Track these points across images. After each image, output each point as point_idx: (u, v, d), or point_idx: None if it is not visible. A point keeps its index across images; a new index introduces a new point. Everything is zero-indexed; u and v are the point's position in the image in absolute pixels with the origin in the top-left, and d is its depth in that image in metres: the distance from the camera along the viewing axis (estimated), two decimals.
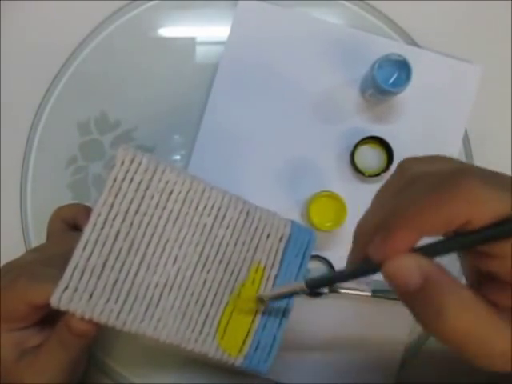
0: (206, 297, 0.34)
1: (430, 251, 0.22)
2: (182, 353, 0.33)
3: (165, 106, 0.48)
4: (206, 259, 0.34)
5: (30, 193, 0.47)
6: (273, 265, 0.36)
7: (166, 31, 0.48)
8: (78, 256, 0.30)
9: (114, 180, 0.31)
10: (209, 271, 0.34)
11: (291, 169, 0.46)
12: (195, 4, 0.48)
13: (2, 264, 0.36)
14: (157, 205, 0.32)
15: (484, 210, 0.20)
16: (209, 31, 0.48)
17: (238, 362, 0.34)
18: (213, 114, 0.46)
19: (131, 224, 0.31)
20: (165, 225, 0.32)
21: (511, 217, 0.20)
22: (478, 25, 0.49)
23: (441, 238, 0.22)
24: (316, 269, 0.45)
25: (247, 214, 0.35)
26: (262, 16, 0.47)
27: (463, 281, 0.23)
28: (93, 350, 0.45)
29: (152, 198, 0.32)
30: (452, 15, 0.49)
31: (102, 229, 0.30)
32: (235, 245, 0.35)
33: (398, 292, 0.22)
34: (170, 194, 0.32)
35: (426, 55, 0.47)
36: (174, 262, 0.33)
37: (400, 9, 0.48)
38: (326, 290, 0.44)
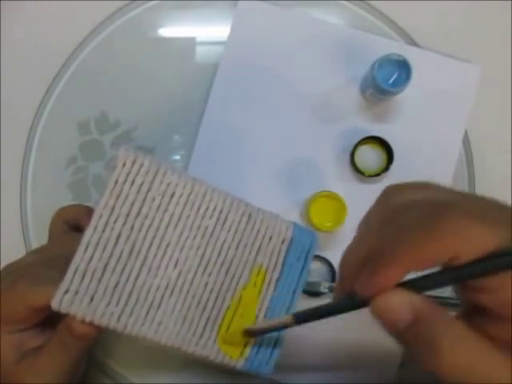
0: (207, 300, 0.34)
1: (418, 286, 0.21)
2: (183, 353, 0.33)
3: (165, 106, 0.48)
4: (208, 262, 0.34)
5: (30, 193, 0.47)
6: (275, 268, 0.35)
7: (166, 31, 0.48)
8: (79, 259, 0.30)
9: (116, 182, 0.30)
10: (210, 274, 0.34)
11: (291, 169, 0.46)
12: (195, 4, 0.48)
13: (2, 264, 0.36)
14: (158, 207, 0.32)
15: (471, 245, 0.20)
16: (209, 31, 0.48)
17: (239, 364, 0.34)
18: (213, 114, 0.46)
19: (132, 227, 0.31)
20: (166, 228, 0.32)
21: (498, 252, 0.19)
22: (478, 25, 0.49)
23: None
24: (316, 269, 0.45)
25: (249, 216, 0.35)
26: (262, 16, 0.47)
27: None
28: (93, 351, 0.45)
29: (153, 200, 0.32)
30: (452, 15, 0.49)
31: (103, 231, 0.30)
32: (237, 248, 0.34)
33: (388, 329, 0.22)
34: (172, 196, 0.32)
35: (426, 55, 0.47)
36: (175, 265, 0.32)
37: (400, 9, 0.48)
38: (326, 289, 0.44)
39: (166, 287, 0.32)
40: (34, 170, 0.47)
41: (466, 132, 0.47)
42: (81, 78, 0.48)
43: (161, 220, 0.32)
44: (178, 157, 0.47)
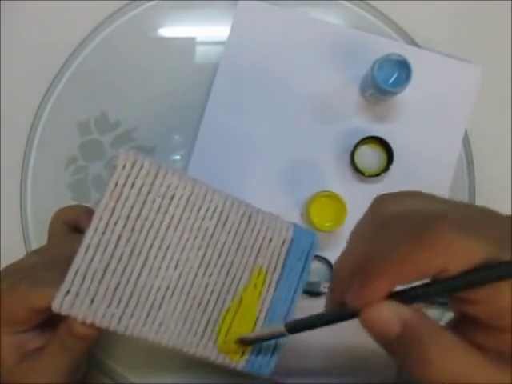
0: (208, 301, 0.34)
1: (406, 297, 0.22)
2: (183, 354, 0.33)
3: (165, 106, 0.48)
4: (208, 263, 0.34)
5: (30, 193, 0.47)
6: (275, 269, 0.35)
7: (166, 31, 0.48)
8: (80, 260, 0.30)
9: (116, 184, 0.30)
10: (211, 275, 0.34)
11: (291, 169, 0.46)
12: (195, 4, 0.48)
13: (1, 264, 0.36)
14: (158, 209, 0.32)
15: (458, 258, 0.20)
16: (209, 31, 0.48)
17: (240, 366, 0.34)
18: (213, 114, 0.46)
19: (133, 229, 0.31)
20: (166, 229, 0.32)
21: (484, 265, 0.20)
22: (478, 25, 0.49)
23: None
24: (316, 269, 0.45)
25: (249, 217, 0.35)
26: (261, 16, 0.47)
27: None
28: (93, 351, 0.45)
29: (154, 202, 0.31)
30: (452, 15, 0.49)
31: (103, 233, 0.30)
32: (237, 249, 0.34)
33: (378, 341, 0.22)
34: (172, 198, 0.32)
35: (425, 55, 0.47)
36: (176, 267, 0.32)
37: (400, 9, 0.48)
38: (326, 289, 0.44)
39: (167, 288, 0.32)
40: (34, 170, 0.47)
41: (466, 132, 0.47)
42: (81, 78, 0.48)
43: (161, 222, 0.32)
44: (178, 157, 0.47)
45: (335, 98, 0.47)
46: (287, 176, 0.46)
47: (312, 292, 0.45)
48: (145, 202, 0.31)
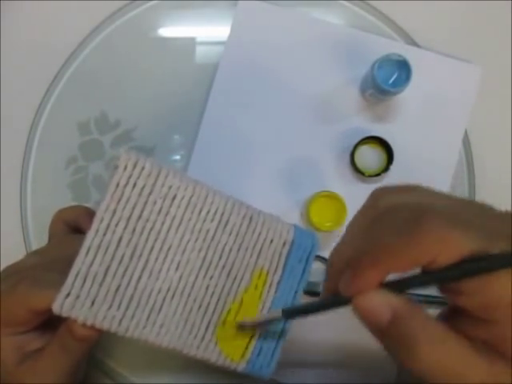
0: (209, 303, 0.33)
1: (397, 287, 0.22)
2: (183, 355, 0.33)
3: (165, 105, 0.48)
4: (209, 265, 0.33)
5: (30, 193, 0.47)
6: (276, 270, 0.35)
7: (166, 31, 0.48)
8: (80, 262, 0.30)
9: (117, 185, 0.30)
10: (211, 277, 0.34)
11: (291, 169, 0.46)
12: (195, 4, 0.48)
13: (1, 264, 0.36)
14: (160, 210, 0.32)
15: (448, 250, 0.20)
16: (209, 31, 0.48)
17: (241, 367, 0.34)
18: (213, 114, 0.46)
19: (134, 230, 0.31)
20: (167, 231, 0.32)
21: (472, 257, 0.20)
22: (478, 25, 0.49)
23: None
24: (316, 269, 0.45)
25: (250, 219, 0.35)
26: (261, 16, 0.47)
27: None
28: (93, 351, 0.45)
29: (155, 203, 0.31)
30: (452, 15, 0.49)
31: (104, 235, 0.30)
32: (238, 250, 0.34)
33: (369, 328, 0.22)
34: (173, 199, 0.32)
35: (425, 55, 0.47)
36: (177, 268, 0.32)
37: (400, 9, 0.48)
38: None
39: (168, 290, 0.32)
40: (34, 170, 0.47)
41: (466, 132, 0.47)
42: (81, 78, 0.48)
43: (162, 223, 0.32)
44: (178, 157, 0.47)
45: (335, 98, 0.47)
46: (287, 176, 0.46)
47: (312, 292, 0.45)
48: (146, 203, 0.31)
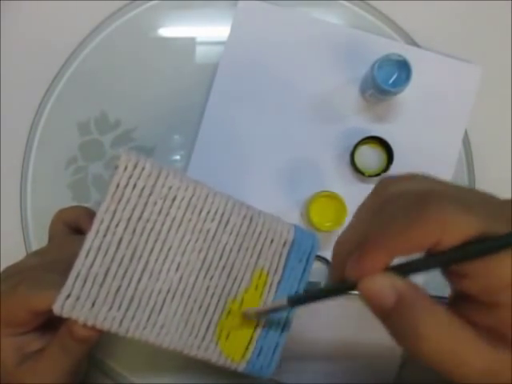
0: (209, 303, 0.33)
1: (402, 270, 0.22)
2: (183, 355, 0.33)
3: (165, 105, 0.48)
4: (209, 266, 0.33)
5: (30, 193, 0.47)
6: (276, 270, 0.35)
7: (166, 31, 0.48)
8: (81, 263, 0.30)
9: (117, 186, 0.30)
10: (212, 278, 0.34)
11: (291, 169, 0.46)
12: (195, 4, 0.48)
13: (1, 264, 0.36)
14: (160, 211, 0.32)
15: (453, 232, 0.20)
16: (209, 31, 0.48)
17: (241, 367, 0.34)
18: (213, 114, 0.46)
19: (134, 231, 0.31)
20: (168, 231, 0.32)
21: (478, 238, 0.20)
22: (478, 25, 0.49)
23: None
24: (316, 269, 0.45)
25: (251, 219, 0.35)
26: (262, 16, 0.47)
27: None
28: (93, 351, 0.45)
29: (155, 204, 0.31)
30: (452, 15, 0.49)
31: (104, 236, 0.30)
32: (238, 251, 0.34)
33: (374, 311, 0.22)
34: (174, 199, 0.32)
35: (425, 55, 0.47)
36: (177, 269, 0.32)
37: (400, 9, 0.48)
38: None
39: (168, 291, 0.32)
40: (34, 170, 0.47)
41: (466, 132, 0.47)
42: (81, 78, 0.48)
43: (162, 224, 0.32)
44: (177, 157, 0.47)
45: (335, 98, 0.47)
46: (287, 176, 0.46)
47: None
48: (146, 203, 0.31)
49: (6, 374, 0.32)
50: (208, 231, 0.33)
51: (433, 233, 0.21)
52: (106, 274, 0.30)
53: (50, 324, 0.33)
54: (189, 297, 0.33)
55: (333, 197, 0.43)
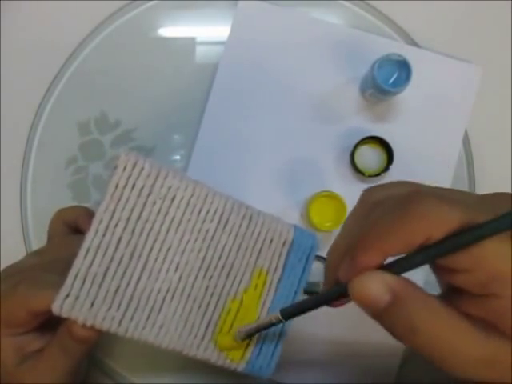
0: (209, 303, 0.33)
1: (394, 269, 0.22)
2: (183, 355, 0.33)
3: (165, 106, 0.48)
4: (209, 265, 0.33)
5: (30, 193, 0.47)
6: (275, 270, 0.35)
7: (166, 31, 0.48)
8: (80, 263, 0.30)
9: (116, 186, 0.30)
10: (211, 278, 0.34)
11: (291, 169, 0.46)
12: (195, 4, 0.48)
13: (1, 264, 0.36)
14: (159, 211, 0.32)
15: (441, 225, 0.21)
16: (209, 31, 0.48)
17: (241, 367, 0.34)
18: (213, 114, 0.46)
19: (133, 231, 0.31)
20: (167, 231, 0.32)
21: (462, 229, 0.21)
22: (478, 25, 0.49)
23: None
24: (316, 269, 0.45)
25: (250, 219, 0.35)
26: (261, 16, 0.47)
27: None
28: (93, 351, 0.45)
29: (154, 204, 0.31)
30: (452, 15, 0.49)
31: (103, 236, 0.30)
32: (238, 251, 0.34)
33: (369, 312, 0.23)
34: (173, 199, 0.32)
35: (425, 55, 0.47)
36: (176, 269, 0.32)
37: (400, 9, 0.48)
38: None
39: (167, 291, 0.32)
40: (34, 170, 0.47)
41: (466, 132, 0.47)
42: (81, 78, 0.48)
43: (162, 224, 0.32)
44: (177, 157, 0.47)
45: (335, 98, 0.47)
46: (287, 176, 0.46)
47: (312, 292, 0.44)
48: (145, 203, 0.31)
49: (6, 373, 0.32)
50: (207, 231, 0.33)
51: (419, 229, 0.21)
52: (105, 274, 0.30)
53: (50, 324, 0.33)
54: (188, 296, 0.33)
55: (333, 197, 0.43)
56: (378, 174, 0.45)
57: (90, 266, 0.30)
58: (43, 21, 0.48)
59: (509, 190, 0.47)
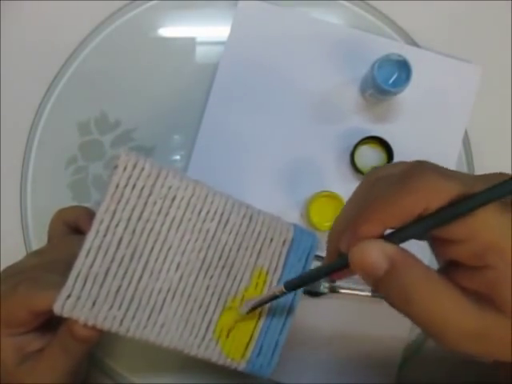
0: (209, 302, 0.34)
1: (393, 239, 0.23)
2: (183, 354, 0.33)
3: (165, 106, 0.48)
4: (209, 265, 0.34)
5: (30, 193, 0.47)
6: (275, 269, 0.35)
7: (166, 31, 0.48)
8: (81, 263, 0.30)
9: (117, 186, 0.30)
10: (212, 277, 0.34)
11: (291, 169, 0.46)
12: (195, 4, 0.48)
13: (1, 264, 0.36)
14: (159, 211, 0.32)
15: (439, 195, 0.21)
16: (209, 31, 0.48)
17: (241, 366, 0.34)
18: (213, 114, 0.46)
19: (134, 231, 0.31)
20: (167, 231, 0.32)
21: (459, 199, 0.21)
22: (478, 25, 0.49)
23: None
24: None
25: (250, 218, 0.35)
26: (262, 16, 0.47)
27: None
28: (93, 351, 0.45)
29: (155, 204, 0.31)
30: (452, 15, 0.49)
31: (104, 236, 0.30)
32: (238, 250, 0.34)
33: (367, 280, 0.23)
34: (173, 199, 0.32)
35: (425, 55, 0.47)
36: (177, 269, 0.32)
37: (400, 9, 0.48)
38: (326, 289, 0.44)
39: (168, 290, 0.32)
40: (34, 170, 0.47)
41: (466, 132, 0.47)
42: (81, 78, 0.48)
43: (162, 224, 0.32)
44: (177, 157, 0.47)
45: (335, 98, 0.47)
46: (287, 176, 0.46)
47: (312, 292, 0.45)
48: (146, 203, 0.31)
49: (6, 373, 0.32)
50: (208, 231, 0.33)
51: (416, 199, 0.22)
52: (106, 274, 0.30)
53: (50, 324, 0.33)
54: (189, 296, 0.33)
55: (333, 197, 0.43)
56: None
57: (91, 266, 0.30)
58: (43, 21, 0.48)
59: None
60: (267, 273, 0.35)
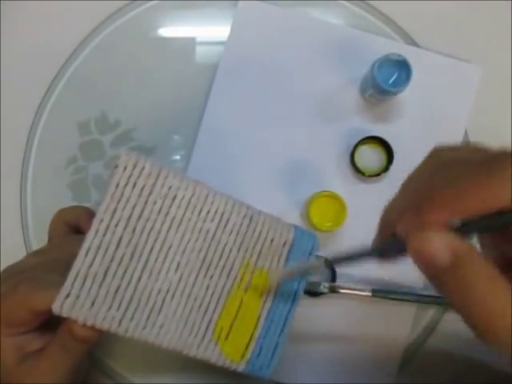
0: (209, 303, 0.33)
1: (460, 230, 0.21)
2: (183, 355, 0.33)
3: (165, 106, 0.48)
4: (209, 265, 0.33)
5: (30, 193, 0.47)
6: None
7: (166, 31, 0.48)
8: (80, 263, 0.30)
9: (117, 185, 0.30)
10: (212, 277, 0.34)
11: (291, 169, 0.46)
12: (195, 4, 0.48)
13: (2, 264, 0.36)
14: (160, 210, 0.32)
15: None
16: (209, 31, 0.48)
17: (241, 367, 0.34)
18: (213, 114, 0.46)
19: (134, 230, 0.31)
20: (168, 231, 0.32)
21: None
22: (478, 25, 0.49)
23: None
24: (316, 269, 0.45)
25: (250, 219, 0.35)
26: (262, 16, 0.47)
27: None
28: (93, 350, 0.45)
29: (155, 203, 0.31)
30: (452, 15, 0.49)
31: (104, 235, 0.30)
32: (238, 250, 0.34)
33: (423, 269, 0.22)
34: (173, 199, 0.32)
35: (425, 55, 0.47)
36: (177, 269, 0.32)
37: (400, 9, 0.48)
38: (326, 290, 0.44)
39: (168, 291, 0.32)
40: (34, 170, 0.47)
41: (466, 132, 0.47)
42: (81, 78, 0.48)
43: (162, 223, 0.32)
44: (178, 157, 0.47)
45: (335, 98, 0.47)
46: (287, 176, 0.46)
47: (312, 292, 0.45)
48: (146, 203, 0.31)
49: (6, 373, 0.32)
50: (208, 231, 0.33)
51: (503, 194, 0.20)
52: (105, 274, 0.30)
53: (50, 324, 0.33)
54: (188, 296, 0.33)
55: (333, 197, 0.43)
56: (378, 174, 0.45)
57: (91, 265, 0.30)
58: (43, 21, 0.48)
59: None
60: (268, 273, 0.35)
